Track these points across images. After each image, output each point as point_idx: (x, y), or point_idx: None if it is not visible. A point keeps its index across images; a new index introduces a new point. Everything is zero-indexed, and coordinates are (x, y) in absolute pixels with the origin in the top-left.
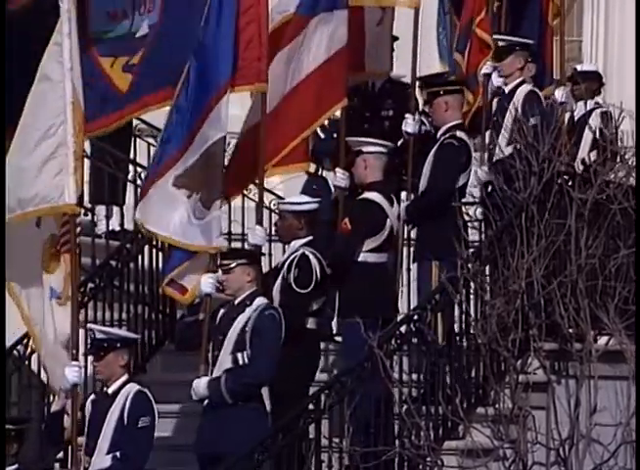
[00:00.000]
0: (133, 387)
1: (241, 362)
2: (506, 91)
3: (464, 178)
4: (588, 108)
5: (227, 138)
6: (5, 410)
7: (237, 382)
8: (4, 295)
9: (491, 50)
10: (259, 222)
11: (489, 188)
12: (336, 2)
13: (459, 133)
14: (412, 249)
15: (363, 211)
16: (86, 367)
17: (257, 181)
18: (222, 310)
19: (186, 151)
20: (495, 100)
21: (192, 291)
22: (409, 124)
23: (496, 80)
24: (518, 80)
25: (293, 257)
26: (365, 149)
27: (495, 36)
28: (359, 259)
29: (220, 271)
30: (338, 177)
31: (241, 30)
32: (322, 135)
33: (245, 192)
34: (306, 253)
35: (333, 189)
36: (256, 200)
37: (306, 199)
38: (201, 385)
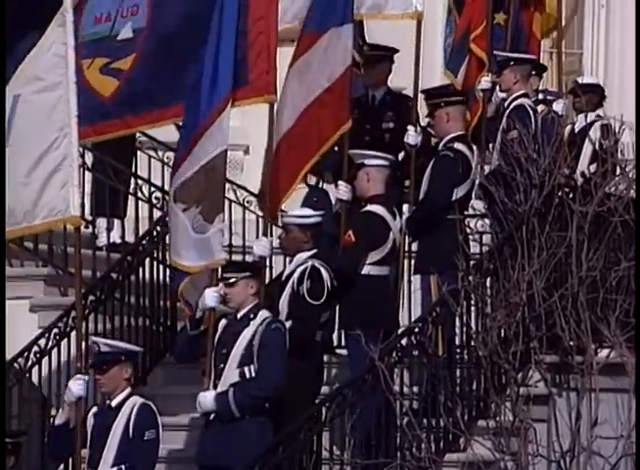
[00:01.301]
0: (137, 400)
1: (248, 376)
2: (505, 105)
3: (463, 190)
4: (589, 120)
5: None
6: (5, 422)
7: (245, 395)
8: (4, 297)
9: (486, 66)
10: (265, 234)
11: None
12: (344, 17)
13: (457, 145)
14: (413, 261)
15: (367, 224)
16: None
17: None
18: (223, 322)
19: (182, 164)
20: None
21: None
22: (411, 136)
23: (500, 93)
24: (515, 94)
25: (303, 268)
26: (368, 162)
27: (495, 52)
28: (362, 272)
29: (222, 284)
30: (340, 190)
31: (251, 43)
32: None
33: (245, 204)
34: (316, 265)
35: (334, 202)
36: (257, 212)
37: (311, 212)
38: (207, 399)
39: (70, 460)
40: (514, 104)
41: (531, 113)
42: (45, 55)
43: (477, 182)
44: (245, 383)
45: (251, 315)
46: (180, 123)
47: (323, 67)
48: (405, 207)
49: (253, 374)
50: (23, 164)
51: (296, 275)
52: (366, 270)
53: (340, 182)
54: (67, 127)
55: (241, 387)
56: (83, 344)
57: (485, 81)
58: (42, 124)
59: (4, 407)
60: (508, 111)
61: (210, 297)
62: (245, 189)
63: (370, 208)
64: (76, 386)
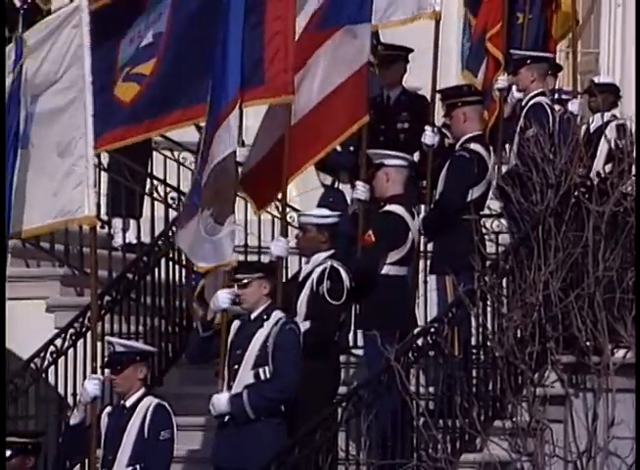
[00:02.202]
0: (152, 400)
1: (262, 377)
2: (522, 104)
3: (479, 190)
4: (605, 120)
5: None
6: (5, 414)
7: (261, 397)
8: (4, 296)
9: (502, 65)
10: (282, 234)
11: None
12: (361, 15)
13: (472, 145)
14: (428, 261)
15: (387, 224)
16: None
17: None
18: (237, 323)
19: (204, 168)
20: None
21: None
22: (428, 136)
23: (516, 93)
24: (533, 93)
25: (322, 269)
26: (387, 162)
27: (511, 51)
28: (383, 272)
29: (236, 285)
30: (358, 190)
31: (268, 42)
32: (339, 148)
33: None
34: (335, 265)
35: (350, 202)
36: (273, 212)
37: (329, 212)
38: (221, 401)
39: (86, 461)
40: (531, 102)
41: (549, 111)
42: (61, 57)
43: (493, 183)
44: (259, 384)
45: (265, 316)
46: (201, 124)
47: (336, 64)
48: (422, 207)
49: (268, 375)
50: (40, 165)
51: (315, 275)
52: (385, 270)
53: (358, 182)
54: (82, 127)
55: (255, 389)
56: (99, 344)
57: (502, 81)
58: (59, 125)
59: (4, 407)
60: (526, 109)
61: (223, 298)
62: None
63: (389, 207)
64: (92, 386)
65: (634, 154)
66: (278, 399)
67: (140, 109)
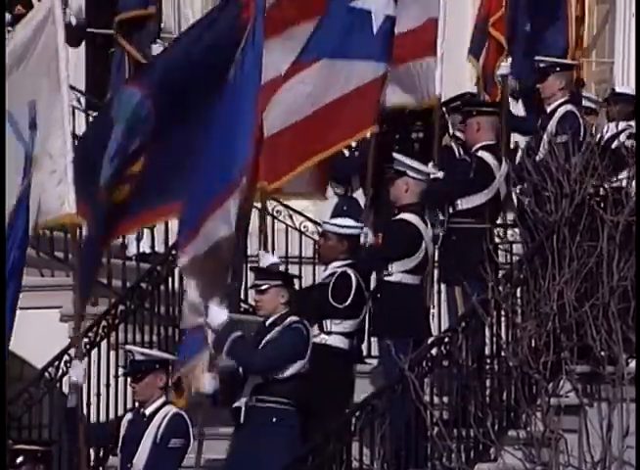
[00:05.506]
0: (171, 409)
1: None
2: (547, 111)
3: (480, 198)
4: (620, 129)
5: None
6: (5, 416)
7: (242, 351)
8: (4, 297)
9: (505, 50)
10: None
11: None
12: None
13: (480, 152)
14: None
15: (399, 232)
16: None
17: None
18: (254, 328)
19: (194, 239)
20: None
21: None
22: None
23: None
24: (559, 101)
25: (333, 273)
26: (410, 174)
27: (536, 58)
28: (396, 280)
29: (254, 292)
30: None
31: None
32: (347, 153)
33: (274, 214)
34: (348, 271)
35: (364, 208)
36: (286, 222)
37: (352, 223)
38: (219, 314)
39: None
40: (562, 110)
41: (581, 120)
42: (44, 55)
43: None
44: (249, 344)
45: (279, 322)
46: None
47: (351, 72)
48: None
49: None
50: (37, 167)
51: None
52: (398, 278)
53: None
54: (60, 121)
55: (243, 343)
56: (113, 353)
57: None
58: (43, 123)
59: (4, 408)
60: (558, 117)
61: (209, 382)
62: (274, 199)
63: (403, 215)
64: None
65: None
66: (243, 363)
67: (135, 204)
